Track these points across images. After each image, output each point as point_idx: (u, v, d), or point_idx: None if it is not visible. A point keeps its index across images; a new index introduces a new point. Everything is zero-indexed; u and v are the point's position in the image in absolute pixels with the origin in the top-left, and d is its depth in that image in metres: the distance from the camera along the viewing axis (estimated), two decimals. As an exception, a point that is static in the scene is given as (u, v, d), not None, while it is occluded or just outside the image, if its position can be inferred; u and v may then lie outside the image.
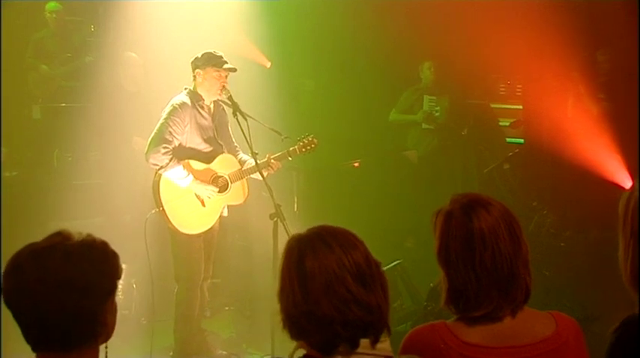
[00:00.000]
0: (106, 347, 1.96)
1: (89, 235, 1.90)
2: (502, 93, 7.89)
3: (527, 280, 2.10)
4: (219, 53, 4.95)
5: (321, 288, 1.86)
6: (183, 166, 4.83)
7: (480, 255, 2.05)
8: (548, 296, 5.29)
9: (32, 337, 1.84)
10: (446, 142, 7.59)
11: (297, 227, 4.31)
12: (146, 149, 4.83)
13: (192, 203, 4.92)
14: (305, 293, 1.88)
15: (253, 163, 4.86)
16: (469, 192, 2.21)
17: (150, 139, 4.83)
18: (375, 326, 1.91)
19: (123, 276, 5.51)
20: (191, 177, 4.85)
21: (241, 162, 5.14)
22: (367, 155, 7.34)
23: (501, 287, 2.06)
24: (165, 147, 4.77)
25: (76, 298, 1.80)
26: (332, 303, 1.85)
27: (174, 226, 4.88)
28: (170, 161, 4.77)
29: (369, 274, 1.91)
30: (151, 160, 4.78)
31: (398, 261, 5.72)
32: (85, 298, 1.82)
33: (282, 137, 5.01)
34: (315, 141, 5.14)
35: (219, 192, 4.97)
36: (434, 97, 7.56)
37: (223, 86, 4.91)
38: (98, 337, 1.89)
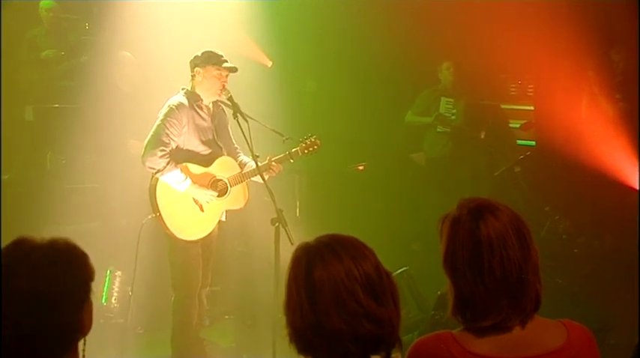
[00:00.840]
0: (84, 343, 1.89)
1: (52, 240, 1.83)
2: (513, 93, 7.86)
3: (537, 288, 2.05)
4: (220, 52, 4.87)
5: (330, 301, 1.84)
6: (181, 170, 4.75)
7: (488, 263, 2.00)
8: (561, 305, 5.20)
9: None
10: (461, 145, 7.47)
11: (300, 232, 4.30)
12: (142, 152, 4.74)
13: (190, 208, 4.83)
14: (313, 306, 1.85)
15: (254, 166, 4.78)
16: (477, 196, 2.16)
17: (146, 142, 4.75)
18: (386, 340, 1.88)
19: (118, 284, 5.42)
20: (189, 181, 4.76)
21: (241, 165, 5.06)
22: (373, 158, 7.27)
23: (510, 295, 2.01)
24: (162, 150, 4.68)
25: (48, 311, 1.74)
26: (341, 316, 1.83)
27: (171, 232, 4.80)
28: (167, 164, 4.68)
29: (379, 285, 1.89)
30: (148, 163, 4.69)
31: (404, 268, 5.65)
32: (57, 310, 1.75)
33: (284, 138, 4.93)
34: (318, 142, 5.05)
35: (218, 196, 4.88)
36: (451, 99, 7.42)
37: (223, 86, 4.82)
38: (77, 342, 1.85)
